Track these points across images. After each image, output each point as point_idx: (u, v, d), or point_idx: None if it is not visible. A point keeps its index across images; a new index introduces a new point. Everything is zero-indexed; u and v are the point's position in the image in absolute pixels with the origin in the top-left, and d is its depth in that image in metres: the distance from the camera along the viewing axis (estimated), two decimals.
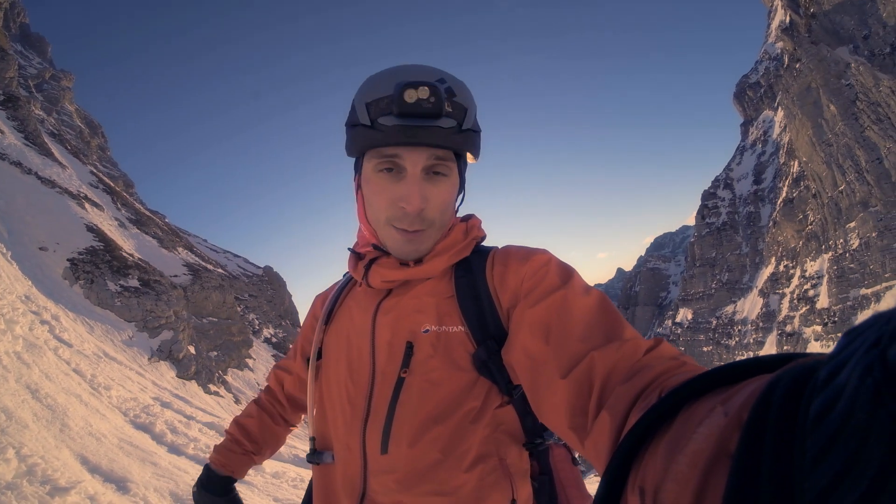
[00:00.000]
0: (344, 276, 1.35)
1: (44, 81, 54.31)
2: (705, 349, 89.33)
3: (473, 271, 1.10)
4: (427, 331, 1.05)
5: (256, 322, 34.53)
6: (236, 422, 1.48)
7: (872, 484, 0.25)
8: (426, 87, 0.95)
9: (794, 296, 72.23)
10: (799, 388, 0.33)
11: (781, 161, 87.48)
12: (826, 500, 0.27)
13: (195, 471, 6.35)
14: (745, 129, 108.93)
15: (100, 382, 8.42)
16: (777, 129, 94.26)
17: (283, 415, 1.50)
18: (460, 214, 1.22)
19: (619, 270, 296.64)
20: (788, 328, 70.23)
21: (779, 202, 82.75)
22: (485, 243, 1.22)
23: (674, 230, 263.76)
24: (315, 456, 1.19)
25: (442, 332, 1.05)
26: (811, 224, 71.74)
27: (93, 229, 19.87)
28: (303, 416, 1.50)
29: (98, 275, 17.02)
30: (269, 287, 44.80)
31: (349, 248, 1.24)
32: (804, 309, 68.14)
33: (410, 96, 0.95)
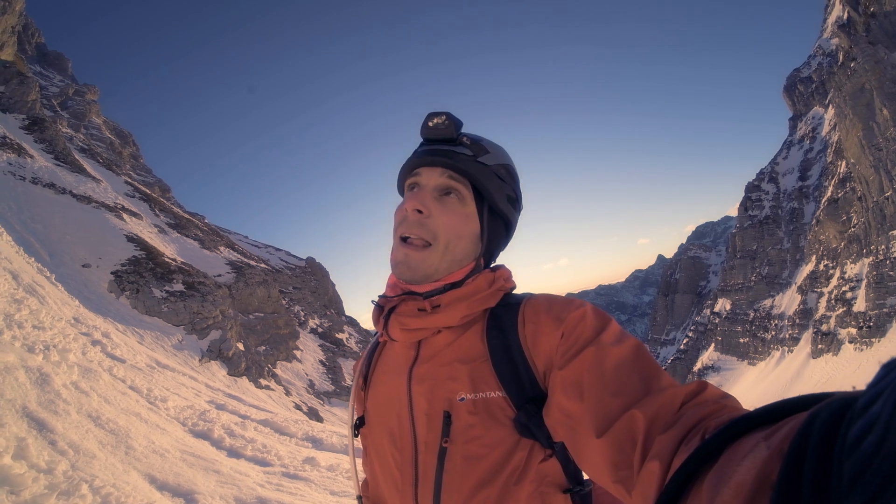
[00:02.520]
0: (375, 335, 1.35)
1: (68, 98, 55.10)
2: (742, 340, 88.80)
3: (505, 329, 1.08)
4: (463, 399, 1.05)
5: (302, 314, 35.22)
6: None
7: None
8: (443, 115, 1.13)
9: (832, 296, 70.99)
10: (838, 418, 0.35)
11: (829, 160, 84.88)
12: None
13: (255, 473, 6.71)
14: (794, 124, 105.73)
15: (156, 395, 8.79)
16: (826, 127, 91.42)
17: None
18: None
19: (660, 257, 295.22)
20: (824, 327, 69.13)
21: (823, 201, 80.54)
22: (517, 291, 1.22)
23: (716, 220, 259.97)
24: None
25: (479, 399, 1.04)
26: (854, 226, 69.98)
27: (133, 239, 20.47)
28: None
29: (143, 283, 17.59)
30: (312, 278, 45.60)
31: (372, 301, 1.26)
32: (841, 310, 67.13)
33: (431, 122, 1.14)
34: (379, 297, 1.23)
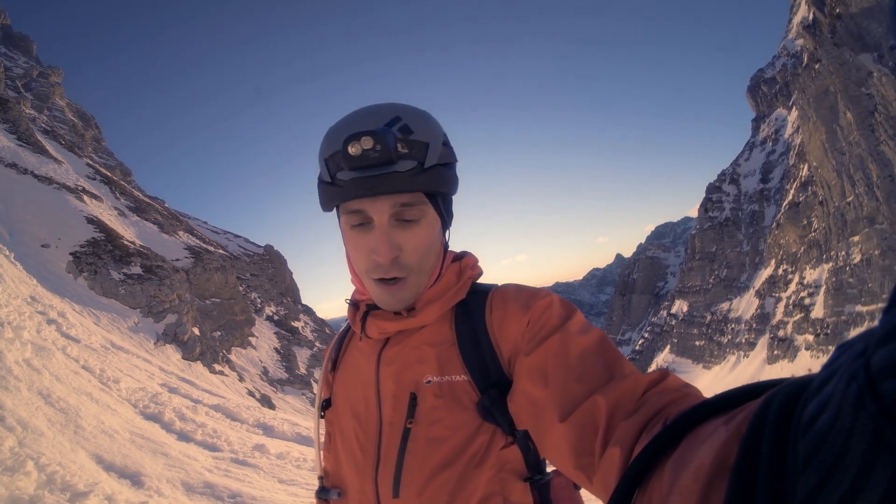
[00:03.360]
0: (346, 322, 1.33)
1: (32, 80, 54.17)
2: (698, 343, 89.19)
3: (472, 315, 1.10)
4: (429, 381, 1.06)
5: (259, 301, 35.00)
6: None
7: (855, 479, 0.28)
8: (368, 137, 0.91)
9: (790, 301, 71.36)
10: (793, 399, 0.36)
11: (791, 162, 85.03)
12: (817, 497, 0.30)
13: (203, 457, 6.82)
14: (757, 125, 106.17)
15: (108, 376, 8.84)
16: (789, 129, 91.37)
17: None
18: (456, 250, 1.23)
19: (619, 256, 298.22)
20: (781, 333, 69.77)
21: (784, 204, 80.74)
22: (482, 280, 1.22)
23: (675, 220, 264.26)
24: (323, 493, 1.23)
25: (444, 381, 1.05)
26: (815, 231, 70.18)
27: (93, 221, 20.28)
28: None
29: (101, 265, 17.49)
30: (270, 265, 45.29)
31: (346, 300, 1.25)
32: (798, 316, 67.59)
33: (354, 149, 0.92)
34: (352, 296, 1.23)
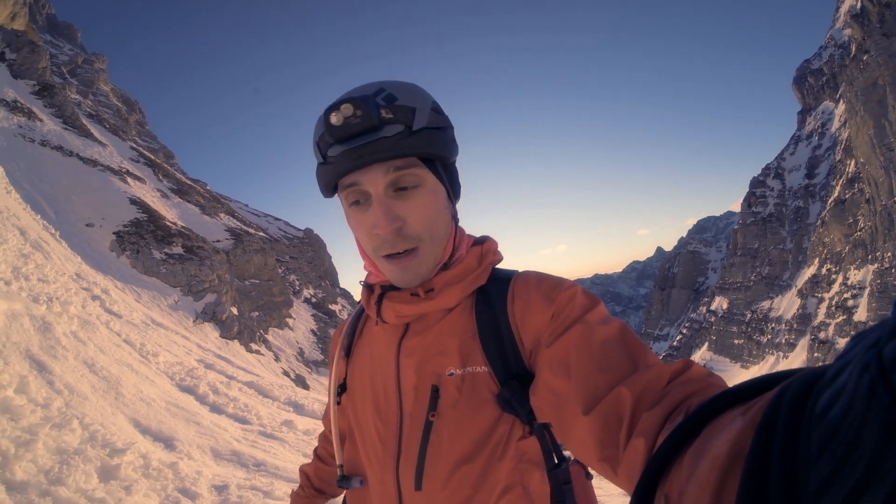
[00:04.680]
0: (359, 304, 1.28)
1: (77, 66, 56.07)
2: (737, 342, 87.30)
3: (493, 305, 1.07)
4: (452, 374, 1.04)
5: (297, 283, 35.68)
6: (300, 469, 1.56)
7: (867, 469, 0.28)
8: (348, 104, 0.90)
9: (833, 302, 68.64)
10: (807, 390, 0.36)
11: (837, 158, 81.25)
12: (828, 486, 0.30)
13: (233, 429, 7.21)
14: (803, 118, 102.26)
15: (148, 350, 9.37)
16: (836, 123, 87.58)
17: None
18: (497, 238, 1.20)
19: (659, 249, 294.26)
20: (822, 335, 67.14)
21: (830, 201, 77.32)
22: (502, 265, 1.19)
23: (718, 214, 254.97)
24: (344, 481, 1.22)
25: (467, 373, 1.03)
26: (860, 230, 67.30)
27: (136, 202, 21.09)
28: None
29: (143, 245, 18.21)
30: (309, 249, 45.91)
31: (360, 282, 1.22)
32: (841, 318, 65.19)
33: (336, 119, 0.91)
34: (366, 279, 1.19)
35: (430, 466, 1.03)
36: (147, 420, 6.19)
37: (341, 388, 1.25)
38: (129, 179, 23.76)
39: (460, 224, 1.16)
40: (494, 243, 1.18)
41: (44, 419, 4.77)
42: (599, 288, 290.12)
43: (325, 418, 1.47)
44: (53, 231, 14.58)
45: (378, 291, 1.13)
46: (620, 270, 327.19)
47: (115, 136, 32.22)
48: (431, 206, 1.02)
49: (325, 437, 1.52)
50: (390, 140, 0.92)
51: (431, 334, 1.08)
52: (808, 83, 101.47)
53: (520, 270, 1.15)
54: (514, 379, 1.00)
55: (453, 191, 1.10)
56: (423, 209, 1.01)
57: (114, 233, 18.04)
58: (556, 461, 1.03)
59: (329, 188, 1.05)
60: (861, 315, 62.19)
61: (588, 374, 0.83)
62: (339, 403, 1.25)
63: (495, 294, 1.07)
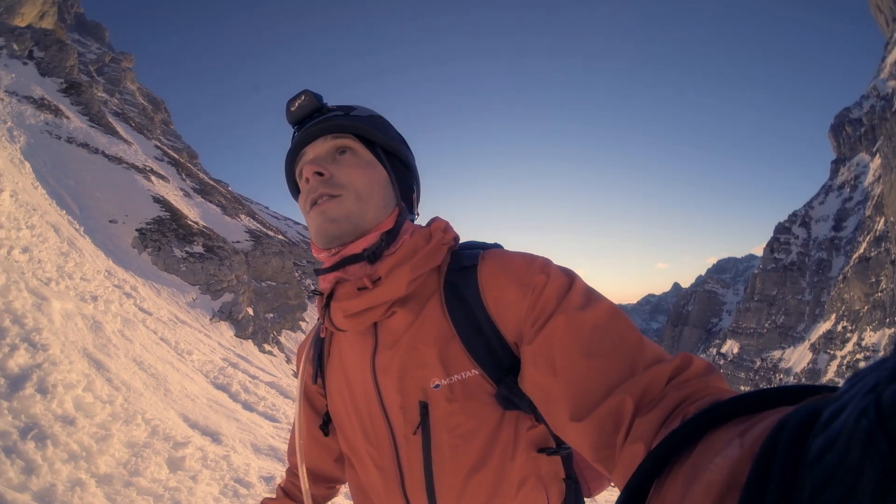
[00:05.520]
0: (318, 320, 1.21)
1: (104, 65, 56.77)
2: (743, 388, 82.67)
3: (466, 298, 0.99)
4: (438, 385, 0.97)
5: (313, 287, 35.22)
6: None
7: None
8: (302, 94, 1.09)
9: (845, 362, 67.23)
10: (806, 427, 0.34)
11: (867, 213, 79.11)
12: None
13: (266, 426, 7.64)
14: (836, 168, 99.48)
15: (182, 348, 9.83)
16: (870, 177, 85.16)
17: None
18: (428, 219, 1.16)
19: (676, 285, 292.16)
20: None
21: (854, 257, 75.67)
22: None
23: (739, 256, 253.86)
24: None
25: (455, 381, 0.97)
26: (881, 291, 65.88)
27: (159, 200, 21.50)
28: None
29: (165, 242, 18.61)
30: None
31: (313, 289, 1.21)
32: None
33: (292, 105, 1.09)
34: (318, 276, 1.09)
35: (440, 483, 1.00)
36: (194, 415, 6.60)
37: (326, 418, 1.21)
38: (152, 178, 24.15)
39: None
40: (443, 222, 1.12)
41: (112, 416, 5.15)
42: None
43: (291, 454, 1.41)
44: (78, 227, 15.08)
45: (326, 296, 1.06)
46: (635, 302, 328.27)
47: (140, 134, 32.77)
48: (361, 170, 1.05)
49: (291, 472, 1.41)
50: (331, 118, 1.06)
51: (404, 346, 1.01)
52: (845, 132, 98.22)
53: (485, 246, 1.11)
54: (508, 374, 0.95)
55: (397, 179, 1.11)
56: (354, 169, 1.04)
57: (136, 230, 18.40)
58: (563, 443, 1.07)
59: (290, 175, 1.16)
60: None
61: (577, 374, 0.80)
62: (326, 435, 1.22)
63: (464, 286, 1.00)
